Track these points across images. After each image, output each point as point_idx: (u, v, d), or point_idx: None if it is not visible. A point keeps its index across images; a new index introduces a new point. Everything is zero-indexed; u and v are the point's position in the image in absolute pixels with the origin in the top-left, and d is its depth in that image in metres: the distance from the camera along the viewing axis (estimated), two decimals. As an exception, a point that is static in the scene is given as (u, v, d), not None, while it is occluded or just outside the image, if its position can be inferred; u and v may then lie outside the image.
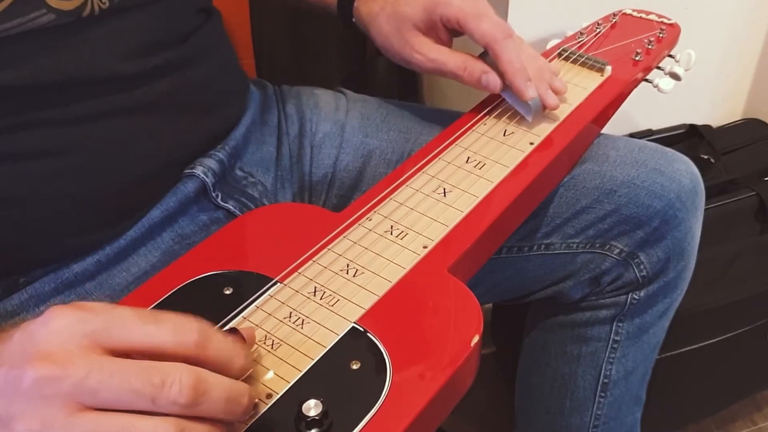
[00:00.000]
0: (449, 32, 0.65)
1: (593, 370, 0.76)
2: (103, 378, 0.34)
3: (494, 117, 0.64)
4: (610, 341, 0.75)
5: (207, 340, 0.37)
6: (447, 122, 0.64)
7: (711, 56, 1.10)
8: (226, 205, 0.61)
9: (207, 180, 0.60)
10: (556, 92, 0.64)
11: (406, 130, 0.72)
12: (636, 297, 0.73)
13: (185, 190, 0.59)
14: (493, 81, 0.62)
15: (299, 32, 1.23)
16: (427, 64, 0.64)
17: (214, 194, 0.61)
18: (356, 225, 0.53)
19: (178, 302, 0.47)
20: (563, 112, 0.64)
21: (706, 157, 1.04)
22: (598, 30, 0.77)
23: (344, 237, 0.52)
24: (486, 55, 0.63)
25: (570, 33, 0.77)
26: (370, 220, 0.54)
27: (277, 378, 0.43)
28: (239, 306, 0.47)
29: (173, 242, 0.59)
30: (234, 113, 0.65)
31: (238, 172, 0.64)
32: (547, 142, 0.61)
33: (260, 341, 0.45)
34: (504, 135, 0.61)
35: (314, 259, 0.51)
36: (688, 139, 1.11)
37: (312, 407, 0.39)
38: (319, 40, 1.23)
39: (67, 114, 0.51)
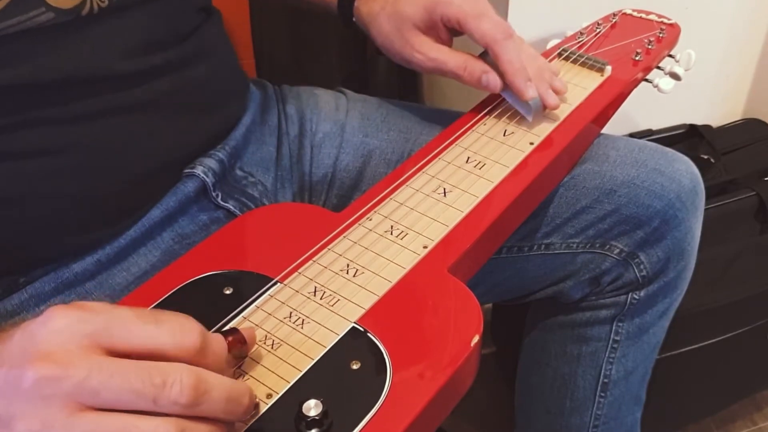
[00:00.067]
0: (449, 32, 0.65)
1: (593, 370, 0.76)
2: (104, 378, 0.34)
3: (494, 117, 0.64)
4: (610, 341, 0.75)
5: (206, 342, 0.37)
6: (447, 122, 0.64)
7: (711, 56, 1.10)
8: (226, 204, 0.61)
9: (207, 180, 0.60)
10: (556, 92, 0.64)
11: (406, 130, 0.72)
12: (636, 297, 0.73)
13: (185, 190, 0.59)
14: (494, 81, 0.62)
15: (299, 32, 1.23)
16: (427, 64, 0.64)
17: (214, 194, 0.61)
18: (356, 225, 0.53)
19: (178, 302, 0.47)
20: (563, 112, 0.64)
21: (706, 157, 1.04)
22: (598, 30, 0.77)
23: (344, 237, 0.52)
24: (486, 55, 0.63)
25: (570, 33, 0.77)
26: (370, 220, 0.54)
27: (277, 378, 0.43)
28: (239, 306, 0.47)
29: (173, 242, 0.59)
30: (234, 113, 0.65)
31: (238, 172, 0.64)
32: (547, 142, 0.61)
33: (260, 341, 0.45)
34: (504, 135, 0.61)
35: (314, 259, 0.51)
36: (688, 139, 1.11)
37: (312, 407, 0.39)
38: (319, 40, 1.23)
39: (66, 113, 0.51)
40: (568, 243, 0.70)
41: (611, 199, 0.68)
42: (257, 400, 0.41)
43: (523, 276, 0.73)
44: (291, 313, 0.47)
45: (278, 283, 0.49)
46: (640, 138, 0.96)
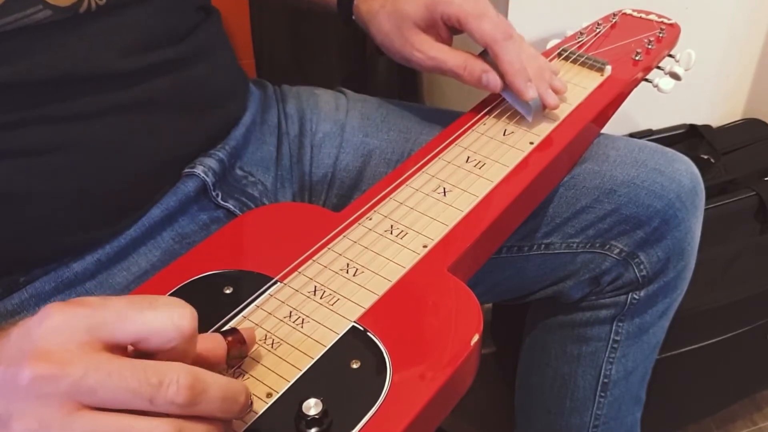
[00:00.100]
0: (449, 30, 0.65)
1: (593, 370, 0.76)
2: (101, 377, 0.34)
3: (494, 116, 0.64)
4: (610, 341, 0.75)
5: (195, 327, 0.37)
6: (447, 122, 0.64)
7: (711, 56, 1.10)
8: (226, 204, 0.61)
9: (207, 179, 0.60)
10: (556, 92, 0.64)
11: (406, 130, 0.72)
12: (636, 297, 0.73)
13: (185, 190, 0.59)
14: (494, 80, 0.62)
15: (299, 32, 1.23)
16: (427, 63, 0.64)
17: (214, 193, 0.61)
18: (356, 224, 0.53)
19: (178, 301, 0.47)
20: (563, 111, 0.64)
21: (706, 157, 1.04)
22: (598, 30, 0.77)
23: (344, 236, 0.52)
24: (486, 54, 0.63)
25: (570, 33, 0.77)
26: (370, 219, 0.54)
27: (277, 377, 0.43)
28: (239, 305, 0.47)
29: (173, 241, 0.59)
30: (233, 113, 0.65)
31: (238, 172, 0.64)
32: (546, 141, 0.61)
33: (260, 340, 0.45)
34: (504, 134, 0.62)
35: (314, 258, 0.51)
36: (688, 139, 1.11)
37: (312, 406, 0.39)
38: (319, 40, 1.23)
39: (64, 111, 0.51)
40: (568, 243, 0.70)
41: (611, 199, 0.68)
42: (257, 398, 0.41)
43: (523, 276, 0.73)
44: (291, 312, 0.47)
45: (278, 283, 0.49)
46: (640, 138, 0.96)
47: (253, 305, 0.47)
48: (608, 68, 0.69)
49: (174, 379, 0.34)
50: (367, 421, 0.40)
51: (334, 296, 0.48)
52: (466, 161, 0.59)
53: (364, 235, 0.52)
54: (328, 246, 0.52)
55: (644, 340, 0.76)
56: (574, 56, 0.71)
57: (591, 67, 0.70)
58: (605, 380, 0.76)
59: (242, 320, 0.46)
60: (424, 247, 0.51)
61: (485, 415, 1.11)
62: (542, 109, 0.62)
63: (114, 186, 0.55)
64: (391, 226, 0.53)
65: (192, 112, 0.59)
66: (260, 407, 0.41)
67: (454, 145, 0.60)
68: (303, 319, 0.46)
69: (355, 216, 0.54)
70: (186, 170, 0.60)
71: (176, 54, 0.57)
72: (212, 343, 0.41)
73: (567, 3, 0.93)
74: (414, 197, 0.55)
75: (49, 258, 0.55)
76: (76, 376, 0.33)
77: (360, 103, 0.74)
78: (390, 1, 0.65)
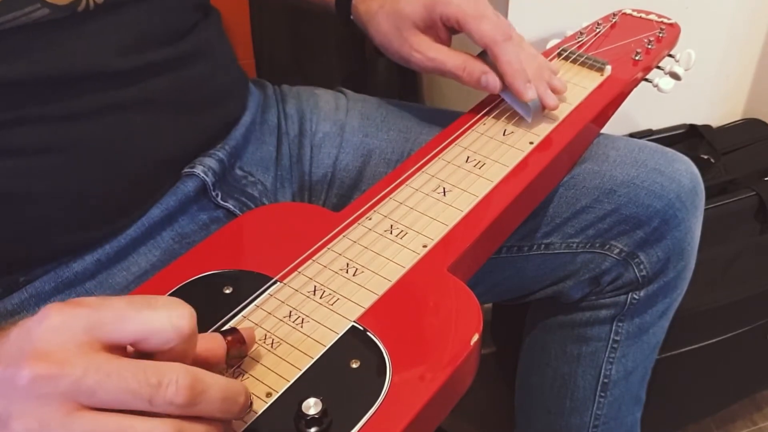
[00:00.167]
0: (448, 31, 0.65)
1: (593, 370, 0.76)
2: (100, 378, 0.34)
3: (494, 116, 0.64)
4: (610, 341, 0.75)
5: (195, 326, 0.37)
6: (447, 122, 0.64)
7: (711, 56, 1.10)
8: (226, 204, 0.61)
9: (207, 179, 0.60)
10: (555, 92, 0.64)
11: (406, 130, 0.72)
12: (636, 297, 0.73)
13: (185, 189, 0.59)
14: (493, 81, 0.62)
15: (299, 32, 1.23)
16: (426, 63, 0.64)
17: (214, 193, 0.61)
18: (356, 224, 0.53)
19: (178, 301, 0.47)
20: (563, 111, 0.64)
21: (706, 157, 1.04)
22: (597, 30, 0.77)
23: (344, 236, 0.52)
24: (485, 55, 0.63)
25: (570, 33, 0.77)
26: (370, 219, 0.54)
27: (277, 377, 0.43)
28: (239, 305, 0.47)
29: (173, 241, 0.59)
30: (233, 112, 0.65)
31: (238, 172, 0.64)
32: (546, 141, 0.61)
33: (260, 340, 0.45)
34: (504, 134, 0.62)
35: (314, 258, 0.51)
36: (688, 139, 1.11)
37: (311, 406, 0.39)
38: (319, 40, 1.23)
39: (63, 110, 0.51)
40: (568, 243, 0.70)
41: (611, 199, 0.68)
42: (256, 398, 0.41)
43: (522, 276, 0.73)
44: (290, 312, 0.47)
45: (278, 282, 0.49)
46: (640, 138, 0.96)
47: (252, 305, 0.47)
48: (608, 68, 0.69)
49: (173, 380, 0.34)
50: (367, 421, 0.40)
51: (333, 296, 0.48)
52: (466, 161, 0.59)
53: (364, 234, 0.52)
54: (328, 246, 0.52)
55: (644, 340, 0.76)
56: (574, 56, 0.71)
57: (591, 67, 0.70)
58: (605, 380, 0.76)
59: (242, 320, 0.46)
60: (424, 247, 0.51)
61: (485, 415, 1.11)
62: (541, 110, 0.62)
63: (113, 185, 0.55)
64: (391, 226, 0.53)
65: (191, 112, 0.59)
66: (260, 407, 0.41)
67: (453, 145, 0.60)
68: (303, 319, 0.46)
69: (354, 216, 0.54)
70: (186, 170, 0.60)
71: (175, 53, 0.57)
72: (212, 343, 0.41)
73: (567, 3, 0.93)
74: (414, 197, 0.55)
75: (49, 258, 0.55)
76: (75, 376, 0.33)
77: (360, 103, 0.74)
78: (389, 2, 0.65)
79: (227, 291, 0.48)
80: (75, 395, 0.33)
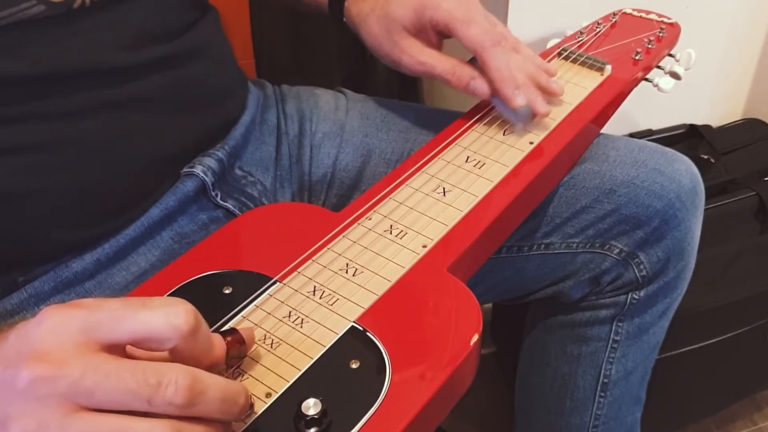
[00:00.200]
0: (438, 35, 0.64)
1: (593, 370, 0.76)
2: (99, 378, 0.33)
3: (494, 116, 0.63)
4: (610, 341, 0.75)
5: (199, 322, 0.37)
6: (447, 122, 0.64)
7: (711, 56, 1.10)
8: (225, 204, 0.61)
9: (206, 179, 0.60)
10: (551, 95, 0.64)
11: (406, 130, 0.72)
12: (636, 297, 0.73)
13: (185, 189, 0.59)
14: (481, 87, 0.61)
15: (299, 32, 1.23)
16: (416, 67, 0.64)
17: (213, 193, 0.61)
18: (356, 224, 0.53)
19: (178, 301, 0.47)
20: (563, 111, 0.64)
21: (706, 157, 1.04)
22: (597, 29, 0.77)
23: (344, 236, 0.52)
24: (476, 60, 0.62)
25: (570, 32, 0.77)
26: (370, 219, 0.54)
27: (277, 377, 0.43)
28: (239, 305, 0.47)
29: (173, 241, 0.59)
30: (231, 112, 0.65)
31: (238, 172, 0.64)
32: (546, 141, 0.61)
33: (259, 340, 0.45)
34: (504, 134, 0.61)
35: (314, 258, 0.51)
36: (688, 139, 1.11)
37: (311, 406, 0.39)
38: (319, 40, 1.23)
39: (59, 107, 0.51)
40: (568, 243, 0.70)
41: (611, 199, 0.68)
42: (256, 398, 0.41)
43: (522, 276, 0.73)
44: (290, 312, 0.47)
45: (277, 283, 0.49)
46: (640, 138, 0.96)
47: (252, 305, 0.47)
48: (608, 68, 0.69)
49: (172, 380, 0.34)
50: (367, 421, 0.40)
51: (333, 296, 0.48)
52: (466, 161, 0.59)
53: (364, 235, 0.52)
54: (328, 246, 0.52)
55: (644, 340, 0.76)
56: (574, 56, 0.71)
57: (591, 67, 0.70)
58: (605, 380, 0.76)
59: (241, 320, 0.46)
60: (424, 247, 0.51)
61: (485, 415, 1.11)
62: (531, 117, 0.62)
63: (112, 183, 0.55)
64: (391, 226, 0.53)
65: (189, 111, 0.59)
66: (259, 407, 0.41)
67: (453, 144, 0.60)
68: (302, 319, 0.46)
69: (354, 216, 0.54)
70: (185, 170, 0.60)
71: (172, 51, 0.57)
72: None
73: (567, 3, 0.93)
74: (414, 197, 0.55)
75: (49, 257, 0.55)
76: (73, 376, 0.33)
77: (360, 103, 0.74)
78: (380, 5, 0.65)
79: (227, 291, 0.48)
80: (73, 396, 0.33)
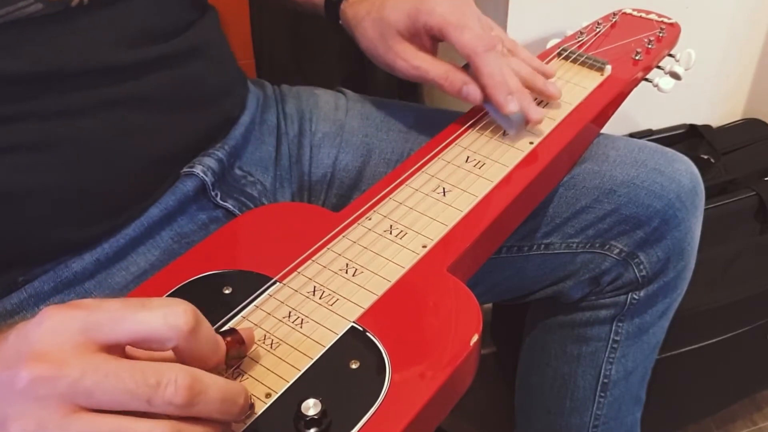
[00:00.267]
0: (433, 39, 0.64)
1: (593, 370, 0.76)
2: (98, 379, 0.33)
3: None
4: (610, 341, 0.75)
5: (199, 321, 0.37)
6: (447, 122, 0.64)
7: (711, 56, 1.10)
8: (225, 204, 0.61)
9: (206, 179, 0.60)
10: (550, 98, 0.63)
11: (406, 130, 0.72)
12: (636, 297, 0.73)
13: (184, 189, 0.59)
14: (473, 92, 0.61)
15: (299, 32, 1.23)
16: (410, 71, 0.64)
17: (213, 193, 0.61)
18: (355, 224, 0.53)
19: (177, 302, 0.47)
20: (563, 111, 0.64)
21: (706, 157, 1.04)
22: (597, 29, 0.77)
23: (343, 236, 0.52)
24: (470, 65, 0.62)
25: (570, 32, 0.77)
26: (370, 219, 0.54)
27: (276, 377, 0.43)
28: (238, 305, 0.47)
29: (172, 241, 0.59)
30: (231, 111, 0.65)
31: (237, 172, 0.64)
32: (546, 141, 0.61)
33: (259, 340, 0.45)
34: (504, 134, 0.61)
35: (313, 258, 0.51)
36: (688, 139, 1.11)
37: (311, 406, 0.39)
38: (319, 40, 1.23)
39: (58, 105, 0.51)
40: (568, 243, 0.70)
41: (611, 199, 0.68)
42: (255, 399, 0.41)
43: (522, 276, 0.73)
44: (290, 312, 0.47)
45: (277, 283, 0.49)
46: (640, 138, 0.96)
47: (252, 305, 0.47)
48: (608, 68, 0.69)
49: (172, 380, 0.34)
50: (367, 421, 0.40)
51: (333, 296, 0.48)
52: (466, 161, 0.59)
53: (364, 235, 0.52)
54: (328, 246, 0.52)
55: (644, 340, 0.76)
56: (574, 56, 0.71)
57: (591, 67, 0.70)
58: (605, 380, 0.76)
59: (241, 320, 0.46)
60: (424, 247, 0.51)
61: (485, 415, 1.11)
62: (524, 124, 0.61)
63: (112, 183, 0.55)
64: (391, 226, 0.53)
65: (188, 110, 0.59)
66: (259, 407, 0.41)
67: (453, 144, 0.60)
68: (302, 320, 0.46)
69: (354, 216, 0.54)
70: (185, 170, 0.60)
71: (170, 50, 0.57)
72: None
73: (567, 3, 0.93)
74: (413, 197, 0.55)
75: (48, 257, 0.55)
76: (73, 377, 0.33)
77: (360, 103, 0.74)
78: (375, 9, 0.64)
79: (226, 291, 0.48)
80: (73, 396, 0.33)
